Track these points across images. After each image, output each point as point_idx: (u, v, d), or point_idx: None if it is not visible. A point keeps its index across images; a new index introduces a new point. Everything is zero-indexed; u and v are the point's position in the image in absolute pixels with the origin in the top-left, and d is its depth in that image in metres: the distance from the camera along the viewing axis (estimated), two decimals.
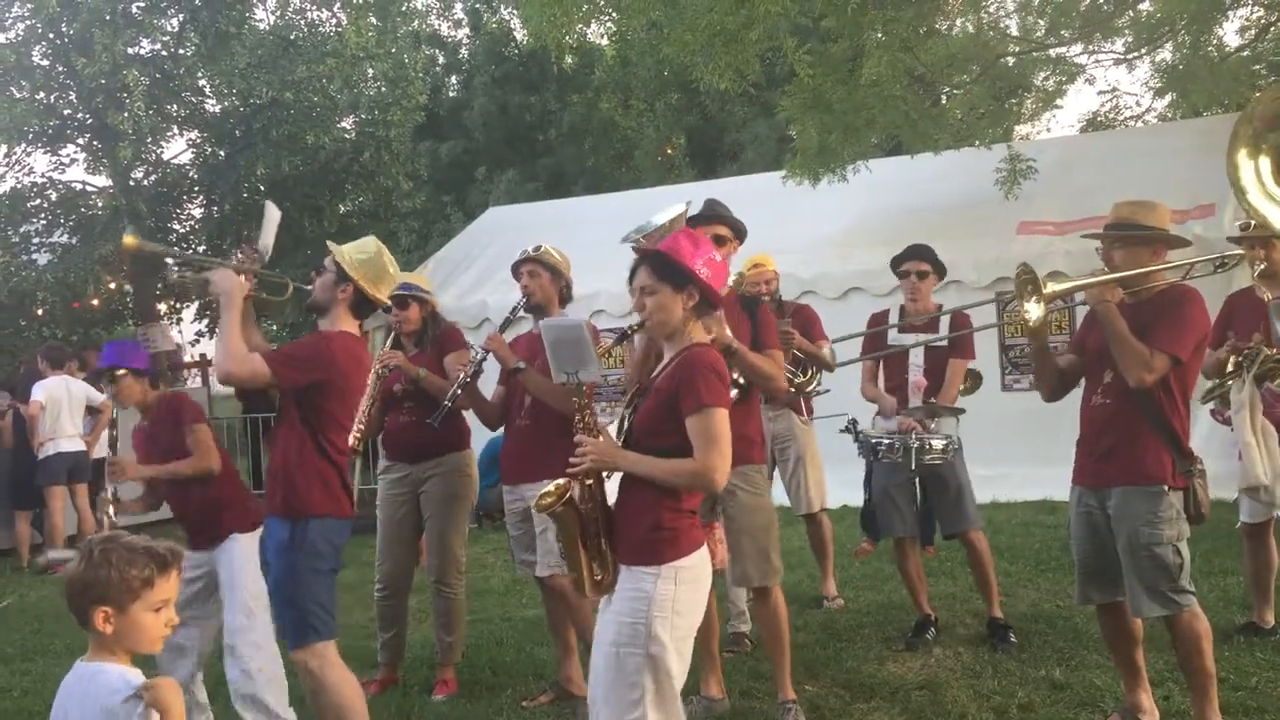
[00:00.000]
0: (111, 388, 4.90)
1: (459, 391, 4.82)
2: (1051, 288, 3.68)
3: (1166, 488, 3.79)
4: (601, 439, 3.12)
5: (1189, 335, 3.81)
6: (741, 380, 4.32)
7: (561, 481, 3.17)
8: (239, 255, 4.27)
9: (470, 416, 5.19)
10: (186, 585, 4.55)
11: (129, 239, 4.28)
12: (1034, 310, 3.69)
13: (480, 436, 6.06)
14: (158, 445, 4.76)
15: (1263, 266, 4.82)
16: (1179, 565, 3.77)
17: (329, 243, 4.18)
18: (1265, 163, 3.89)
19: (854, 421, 5.50)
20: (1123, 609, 4.02)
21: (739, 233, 4.66)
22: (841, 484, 6.90)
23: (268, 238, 4.51)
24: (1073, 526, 4.11)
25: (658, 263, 3.16)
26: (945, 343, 5.48)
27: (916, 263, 5.57)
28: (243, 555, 4.56)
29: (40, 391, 9.34)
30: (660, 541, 3.02)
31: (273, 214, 4.63)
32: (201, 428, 4.69)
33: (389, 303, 4.50)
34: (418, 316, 5.26)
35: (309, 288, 4.14)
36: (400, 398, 5.16)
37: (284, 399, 4.00)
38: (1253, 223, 4.72)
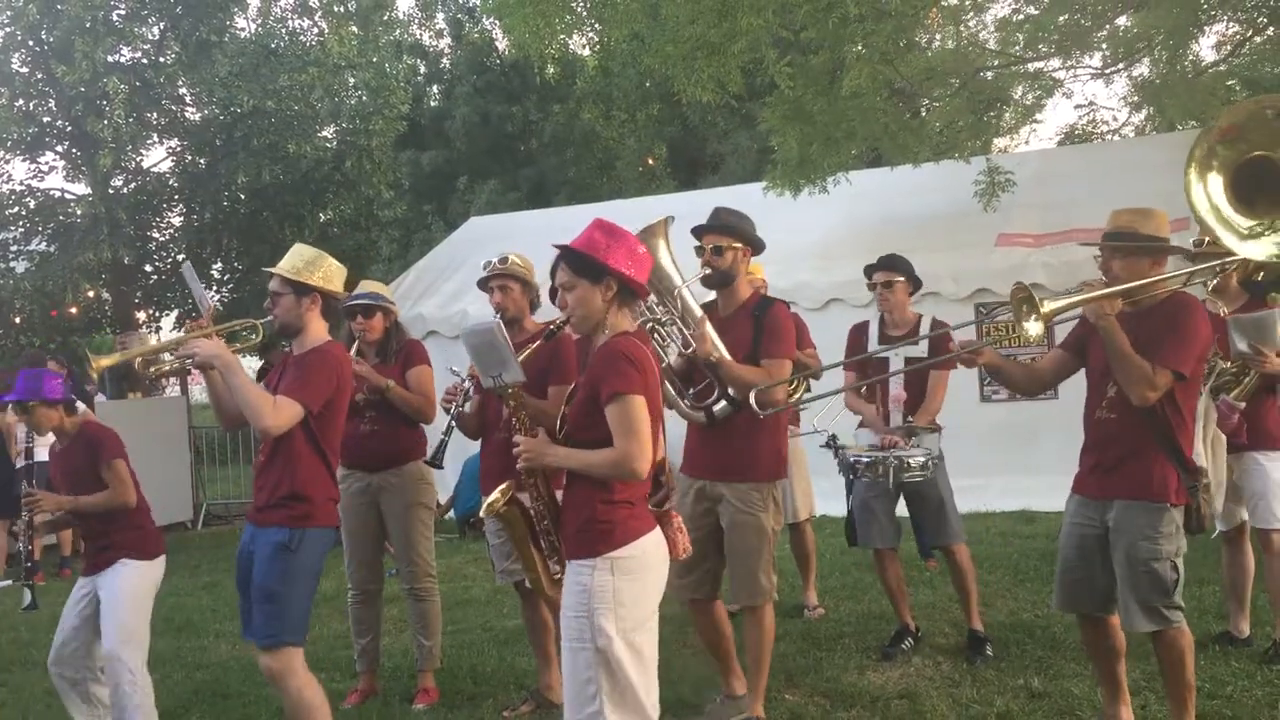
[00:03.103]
0: (25, 416, 4.87)
1: (454, 424, 4.77)
2: (1050, 306, 3.58)
3: (1169, 505, 3.75)
4: (536, 437, 3.17)
5: (1192, 349, 3.73)
6: (732, 393, 4.30)
7: (506, 484, 3.24)
8: (190, 326, 4.23)
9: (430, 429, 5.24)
10: (76, 606, 4.59)
11: (102, 361, 4.17)
12: (1034, 328, 3.59)
13: (467, 450, 6.10)
14: (72, 471, 4.73)
15: (1215, 282, 4.89)
16: (1175, 581, 3.74)
17: (266, 269, 4.16)
18: (1217, 180, 3.90)
19: (834, 437, 5.49)
20: (1107, 624, 4.00)
21: (747, 241, 4.52)
22: (821, 494, 6.94)
23: (200, 292, 4.53)
24: (1063, 534, 4.06)
25: (573, 259, 3.20)
26: (924, 354, 5.40)
27: (884, 273, 5.50)
28: (126, 582, 4.53)
29: None
30: (594, 535, 3.07)
31: (188, 272, 4.70)
32: (119, 464, 4.63)
33: (346, 294, 4.56)
34: (381, 326, 5.23)
35: (270, 319, 4.09)
36: (362, 407, 5.09)
37: None
38: (1206, 240, 4.78)
